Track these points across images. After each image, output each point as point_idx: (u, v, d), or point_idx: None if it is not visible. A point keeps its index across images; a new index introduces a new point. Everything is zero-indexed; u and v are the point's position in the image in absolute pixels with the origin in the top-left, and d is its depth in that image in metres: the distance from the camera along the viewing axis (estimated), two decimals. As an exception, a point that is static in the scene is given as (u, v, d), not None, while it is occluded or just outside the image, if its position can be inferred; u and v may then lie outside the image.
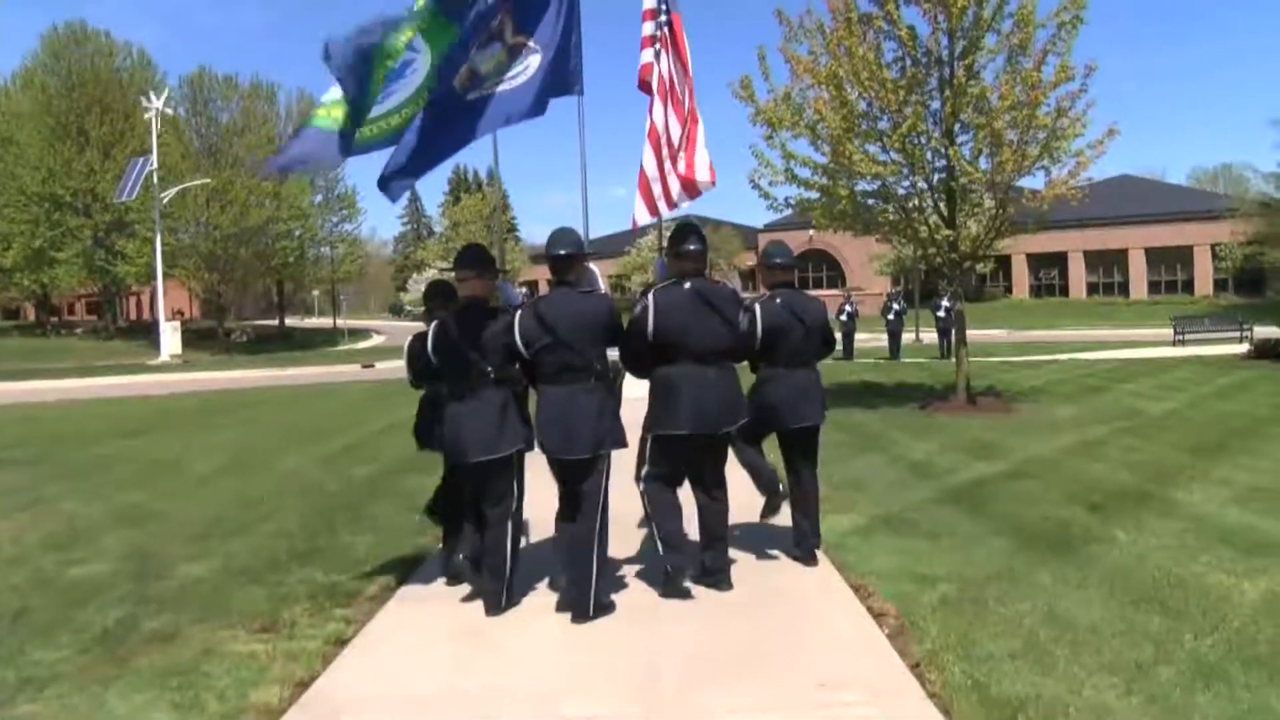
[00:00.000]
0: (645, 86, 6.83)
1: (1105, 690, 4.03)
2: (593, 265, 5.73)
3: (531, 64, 6.31)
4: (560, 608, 5.37)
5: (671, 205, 6.78)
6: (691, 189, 6.86)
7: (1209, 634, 4.60)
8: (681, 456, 5.67)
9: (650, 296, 5.66)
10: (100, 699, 4.27)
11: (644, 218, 6.52)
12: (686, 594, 5.56)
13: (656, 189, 6.48)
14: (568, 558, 5.43)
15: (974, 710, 3.90)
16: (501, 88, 6.21)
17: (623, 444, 5.40)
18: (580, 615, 5.20)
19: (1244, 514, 7.10)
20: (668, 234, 6.11)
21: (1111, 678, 4.15)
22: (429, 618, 5.37)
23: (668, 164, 6.58)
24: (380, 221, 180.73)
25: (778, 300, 6.26)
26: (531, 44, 6.39)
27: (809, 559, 6.23)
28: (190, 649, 4.85)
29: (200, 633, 5.10)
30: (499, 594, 5.38)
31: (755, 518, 6.60)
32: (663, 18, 6.59)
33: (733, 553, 6.46)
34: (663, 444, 5.63)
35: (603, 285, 5.61)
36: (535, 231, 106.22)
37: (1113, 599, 5.20)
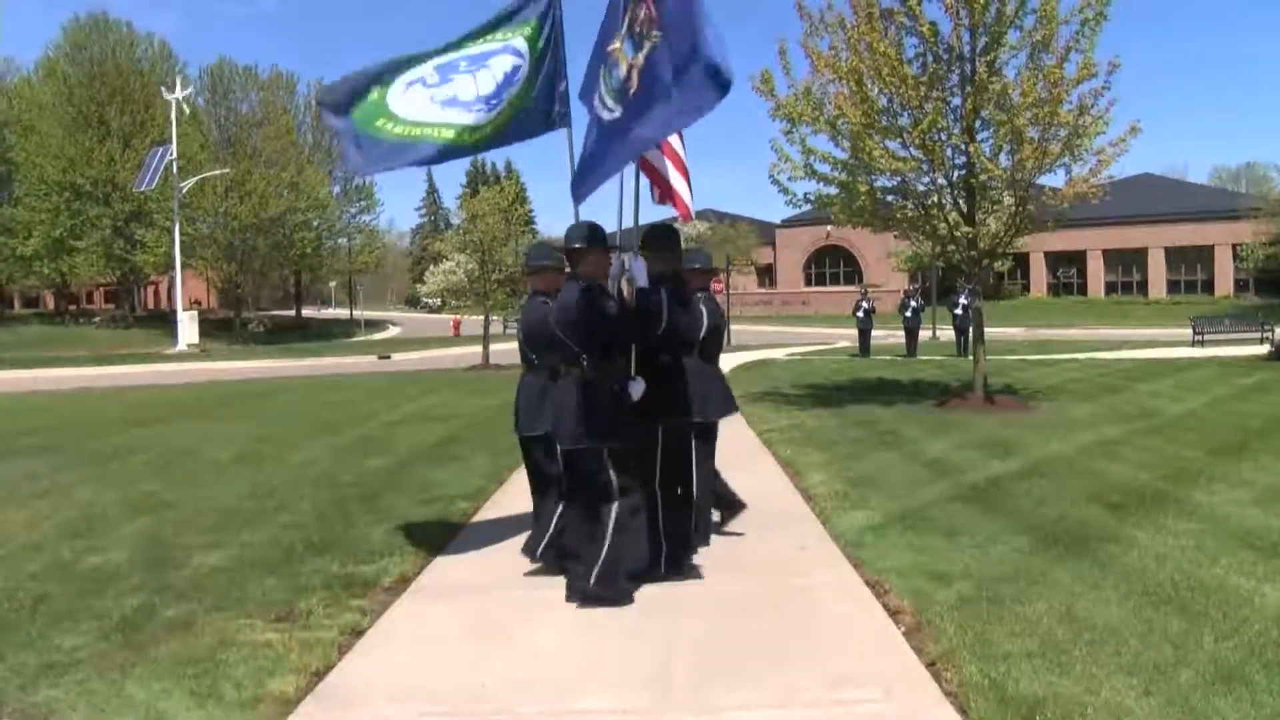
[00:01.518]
0: None
1: (1124, 691, 4.00)
2: (628, 257, 5.71)
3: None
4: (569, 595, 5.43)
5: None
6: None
7: (1229, 637, 4.56)
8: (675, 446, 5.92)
9: (664, 292, 5.79)
10: (119, 686, 4.29)
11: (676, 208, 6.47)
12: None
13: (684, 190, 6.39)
14: (577, 545, 5.55)
15: (991, 709, 3.88)
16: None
17: (612, 440, 5.36)
18: (572, 596, 5.36)
19: (1265, 516, 7.03)
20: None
21: (1130, 679, 4.12)
22: (444, 609, 5.38)
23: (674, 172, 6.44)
24: (398, 213, 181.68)
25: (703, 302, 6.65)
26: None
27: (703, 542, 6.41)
28: (207, 638, 4.87)
29: (217, 622, 5.12)
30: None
31: (766, 511, 6.62)
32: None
33: (747, 550, 6.48)
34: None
35: (641, 278, 5.55)
36: (551, 224, 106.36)
37: (1131, 600, 5.16)
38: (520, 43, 5.81)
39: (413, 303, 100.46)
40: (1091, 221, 49.24)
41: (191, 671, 4.42)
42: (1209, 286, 57.70)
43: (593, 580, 5.31)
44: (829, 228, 56.16)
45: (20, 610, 5.39)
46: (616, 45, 5.50)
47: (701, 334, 6.43)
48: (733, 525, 6.98)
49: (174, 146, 46.41)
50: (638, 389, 5.45)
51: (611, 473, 5.37)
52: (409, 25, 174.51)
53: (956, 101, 13.60)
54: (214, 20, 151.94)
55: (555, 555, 5.94)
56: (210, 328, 53.45)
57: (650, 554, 5.69)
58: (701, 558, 6.18)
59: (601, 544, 5.35)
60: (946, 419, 13.01)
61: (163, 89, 49.69)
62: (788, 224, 66.86)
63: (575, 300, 5.46)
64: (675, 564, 5.85)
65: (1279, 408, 13.66)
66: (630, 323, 5.48)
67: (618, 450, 5.39)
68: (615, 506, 5.38)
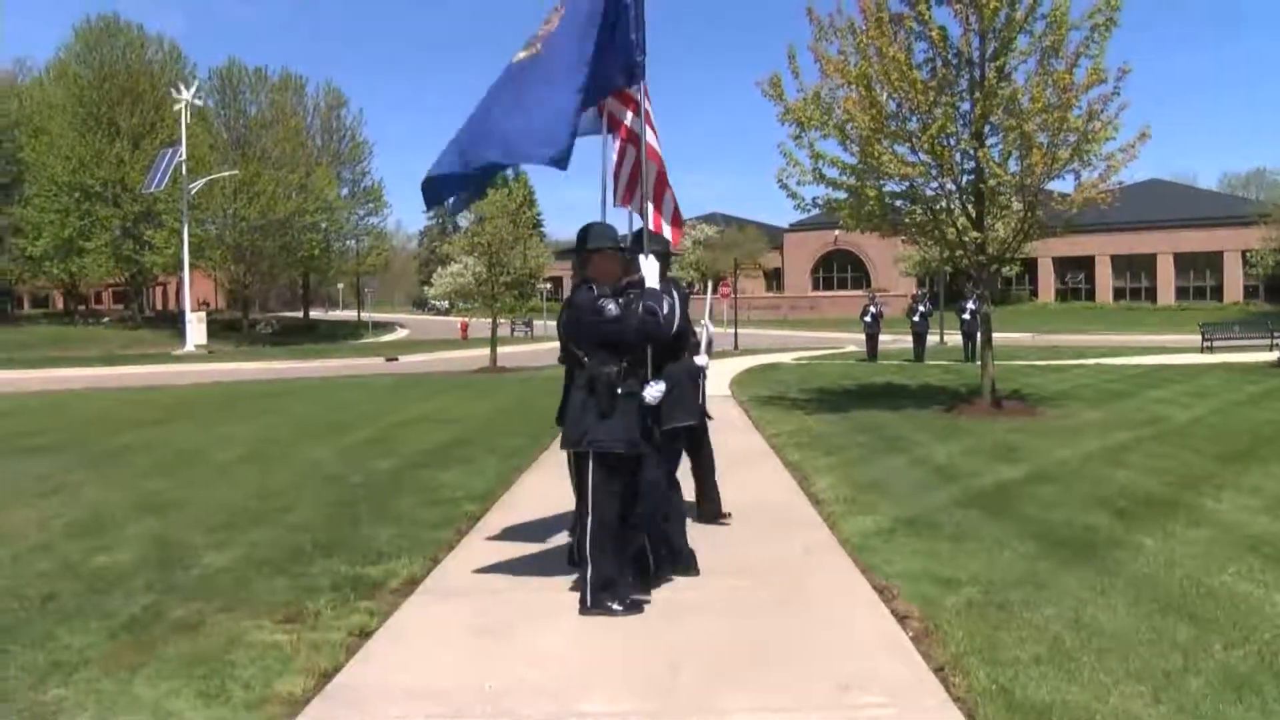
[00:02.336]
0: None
1: (1132, 698, 3.99)
2: (643, 259, 5.65)
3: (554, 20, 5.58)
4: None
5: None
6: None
7: (1239, 645, 4.55)
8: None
9: (676, 294, 5.73)
10: (127, 685, 4.30)
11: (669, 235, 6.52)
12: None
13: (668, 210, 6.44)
14: (578, 552, 5.52)
15: (999, 715, 3.87)
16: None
17: (602, 447, 5.24)
18: (581, 608, 5.27)
19: (1274, 523, 7.01)
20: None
21: (1139, 686, 4.10)
22: (452, 611, 5.39)
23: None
24: (406, 215, 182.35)
25: None
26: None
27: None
28: (216, 638, 4.88)
29: (225, 622, 5.13)
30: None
31: (774, 515, 6.61)
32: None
33: (754, 553, 6.47)
34: (675, 436, 5.96)
35: (652, 279, 5.49)
36: (557, 227, 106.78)
37: (1140, 606, 5.14)
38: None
39: (420, 305, 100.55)
40: (1100, 227, 49.06)
41: (200, 672, 4.43)
42: (1218, 293, 57.55)
43: (586, 602, 5.26)
44: (837, 232, 56.29)
45: (29, 609, 5.40)
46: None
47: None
48: (740, 529, 6.99)
49: (183, 148, 46.55)
50: (653, 392, 5.38)
51: (590, 483, 5.26)
52: (420, 27, 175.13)
53: (966, 106, 13.59)
54: (224, 22, 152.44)
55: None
56: (218, 329, 53.60)
57: (639, 565, 5.65)
58: (707, 561, 6.19)
59: (584, 566, 5.30)
60: (954, 424, 12.99)
61: (172, 90, 49.91)
62: (796, 228, 66.89)
63: (573, 301, 5.48)
64: (677, 558, 5.91)
65: (1288, 415, 13.61)
66: (632, 325, 5.31)
67: (604, 456, 5.25)
68: (590, 521, 5.27)
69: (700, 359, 6.67)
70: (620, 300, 5.34)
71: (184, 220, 47.06)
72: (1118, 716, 3.84)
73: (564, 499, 6.02)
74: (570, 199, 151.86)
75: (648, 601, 5.40)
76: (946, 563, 6.09)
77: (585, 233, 5.59)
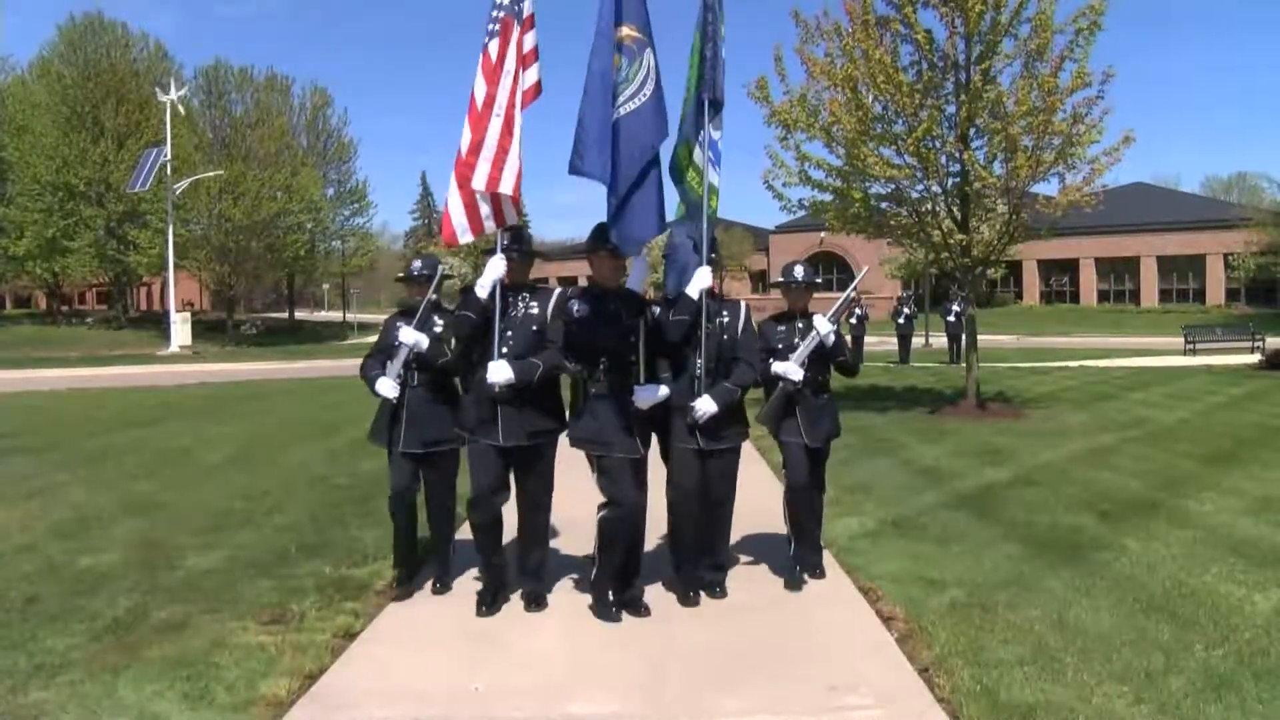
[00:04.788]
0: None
1: (1115, 698, 4.02)
2: (634, 260, 5.62)
3: (647, 61, 5.30)
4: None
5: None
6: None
7: (1220, 644, 4.59)
8: None
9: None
10: (111, 687, 4.28)
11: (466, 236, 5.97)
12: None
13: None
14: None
15: (983, 716, 3.89)
16: (634, 104, 5.27)
17: (575, 444, 5.35)
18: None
19: (1256, 525, 7.08)
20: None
21: (1121, 686, 4.14)
22: (437, 613, 5.39)
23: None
24: (391, 216, 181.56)
25: None
26: (639, 35, 5.38)
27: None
28: (200, 639, 4.87)
29: (210, 623, 5.11)
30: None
31: (762, 521, 6.61)
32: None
33: (740, 557, 6.49)
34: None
35: (635, 281, 5.47)
36: (546, 229, 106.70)
37: (1122, 607, 5.18)
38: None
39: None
40: (1084, 230, 49.26)
41: (184, 673, 4.42)
42: (1200, 295, 57.84)
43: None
44: (823, 234, 56.32)
45: (11, 611, 5.37)
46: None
47: None
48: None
49: (168, 147, 46.27)
50: (641, 396, 5.29)
51: (600, 478, 5.29)
52: (405, 26, 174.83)
53: (951, 109, 13.64)
54: (210, 22, 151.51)
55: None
56: (203, 329, 53.28)
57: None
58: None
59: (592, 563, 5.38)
60: (939, 426, 13.04)
61: (158, 90, 49.62)
62: (781, 230, 66.94)
63: (554, 304, 5.50)
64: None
65: (1270, 417, 13.72)
66: (601, 330, 5.27)
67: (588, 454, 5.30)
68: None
69: (782, 367, 5.87)
70: (590, 303, 5.31)
71: (169, 220, 46.76)
72: (1100, 716, 3.87)
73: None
74: (561, 202, 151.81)
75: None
76: (932, 564, 6.12)
77: (590, 235, 5.56)
